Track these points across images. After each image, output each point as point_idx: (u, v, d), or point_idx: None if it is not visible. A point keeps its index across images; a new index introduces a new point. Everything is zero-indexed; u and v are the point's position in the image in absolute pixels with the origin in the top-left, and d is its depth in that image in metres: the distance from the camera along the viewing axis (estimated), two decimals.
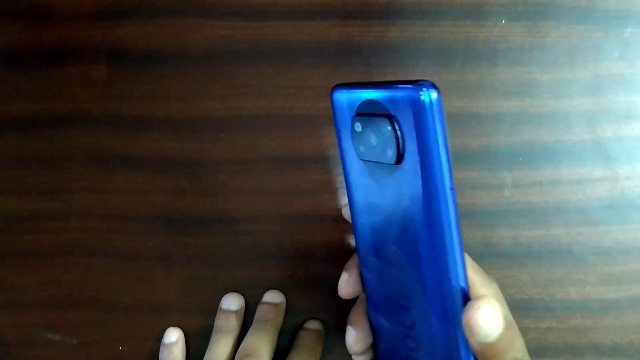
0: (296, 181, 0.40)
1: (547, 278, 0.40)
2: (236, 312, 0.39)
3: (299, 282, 0.40)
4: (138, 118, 0.40)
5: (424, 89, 0.24)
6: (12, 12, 0.40)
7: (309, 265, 0.40)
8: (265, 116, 0.40)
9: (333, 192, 0.40)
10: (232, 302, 0.39)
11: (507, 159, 0.39)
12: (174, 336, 0.40)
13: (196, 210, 0.40)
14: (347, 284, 0.32)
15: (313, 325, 0.39)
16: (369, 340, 0.32)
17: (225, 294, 0.40)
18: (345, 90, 0.27)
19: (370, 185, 0.28)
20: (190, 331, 0.40)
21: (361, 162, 0.28)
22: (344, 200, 0.40)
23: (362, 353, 0.33)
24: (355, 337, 0.32)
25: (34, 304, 0.41)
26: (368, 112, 0.26)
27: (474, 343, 0.26)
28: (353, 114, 0.27)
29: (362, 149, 0.27)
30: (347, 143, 0.28)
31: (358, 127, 0.27)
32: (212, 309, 0.40)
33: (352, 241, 0.39)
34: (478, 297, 0.26)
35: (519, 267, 0.39)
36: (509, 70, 0.39)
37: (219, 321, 0.39)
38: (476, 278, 0.29)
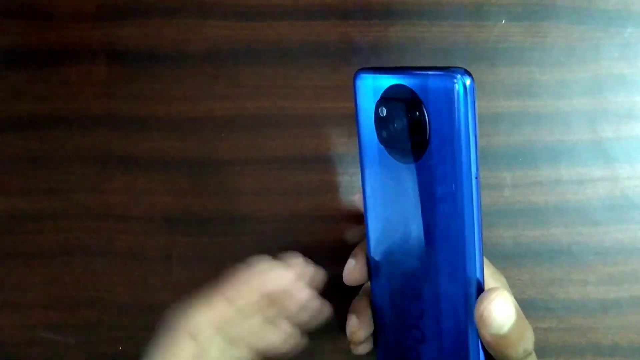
0: (296, 181, 0.40)
1: (547, 278, 0.40)
2: None
3: None
4: (138, 118, 0.40)
5: (458, 76, 0.24)
6: (12, 12, 0.40)
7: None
8: (265, 116, 0.40)
9: (333, 192, 0.40)
10: None
11: (507, 159, 0.39)
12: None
13: (196, 210, 0.40)
14: (353, 271, 0.32)
15: None
16: (370, 330, 0.32)
17: None
18: (371, 75, 0.27)
19: (388, 172, 0.28)
20: None
21: (381, 148, 0.27)
22: (352, 192, 0.40)
23: (362, 342, 0.32)
24: (357, 324, 0.32)
25: (34, 304, 0.40)
26: (395, 97, 0.26)
27: (486, 335, 0.26)
28: (378, 98, 0.27)
29: (384, 134, 0.27)
30: (367, 128, 0.28)
31: (382, 111, 0.27)
32: None
33: (354, 232, 0.39)
34: (491, 289, 0.26)
35: (519, 267, 0.39)
36: (509, 70, 0.39)
37: None
38: (485, 269, 0.30)
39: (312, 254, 0.40)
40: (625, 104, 0.39)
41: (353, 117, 0.39)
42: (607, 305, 0.39)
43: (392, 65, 0.37)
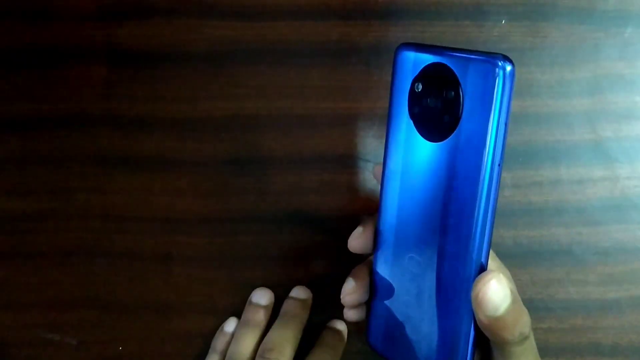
0: (296, 181, 0.40)
1: (547, 278, 0.40)
2: (265, 307, 0.39)
3: (299, 282, 0.40)
4: (138, 118, 0.40)
5: (500, 63, 0.24)
6: (12, 12, 0.40)
7: (309, 265, 0.40)
8: (265, 116, 0.40)
9: (333, 192, 0.40)
10: (262, 297, 0.39)
11: (507, 159, 0.39)
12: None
13: (196, 210, 0.40)
14: (359, 238, 0.32)
15: (337, 325, 0.40)
16: (364, 297, 0.32)
17: (222, 292, 0.40)
18: (413, 50, 0.28)
19: (412, 148, 0.28)
20: (190, 331, 0.40)
21: (410, 123, 0.28)
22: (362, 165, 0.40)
23: (354, 306, 0.33)
24: (352, 287, 0.32)
25: (34, 304, 0.40)
26: (433, 75, 0.26)
27: (482, 317, 0.26)
28: (416, 74, 0.27)
29: (416, 110, 0.28)
30: (399, 102, 0.28)
31: (418, 87, 0.27)
32: (212, 309, 0.40)
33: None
34: (487, 271, 0.26)
35: (519, 267, 0.39)
36: None
37: (247, 314, 0.39)
38: (491, 262, 0.30)
39: (312, 254, 0.40)
40: (625, 104, 0.39)
41: (353, 117, 0.40)
42: (607, 305, 0.39)
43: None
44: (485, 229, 0.26)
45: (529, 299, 0.40)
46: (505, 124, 0.25)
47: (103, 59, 0.40)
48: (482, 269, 0.27)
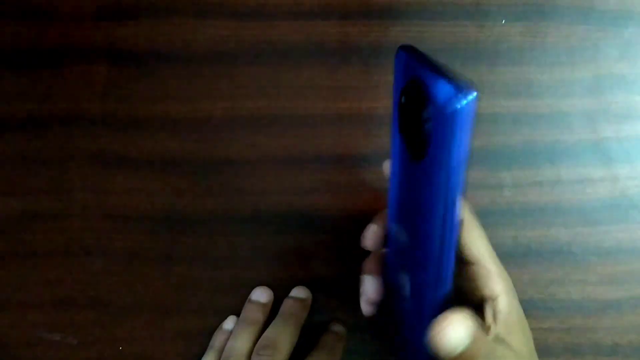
0: (296, 181, 0.40)
1: (547, 278, 0.40)
2: (264, 305, 0.39)
3: (298, 282, 0.40)
4: (138, 118, 0.40)
5: (462, 90, 0.22)
6: (12, 12, 0.40)
7: (308, 265, 0.40)
8: (265, 116, 0.40)
9: (333, 192, 0.40)
10: (261, 295, 0.39)
11: (507, 159, 0.39)
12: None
13: (196, 210, 0.40)
14: (373, 236, 0.32)
15: (335, 327, 0.40)
16: (381, 293, 0.33)
17: (222, 292, 0.40)
18: (406, 58, 0.25)
19: (401, 158, 0.27)
20: (190, 331, 0.40)
21: (400, 135, 0.27)
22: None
23: (374, 303, 0.33)
24: (375, 285, 0.32)
25: (34, 304, 0.40)
26: (414, 90, 0.24)
27: (439, 356, 0.26)
28: (403, 85, 0.26)
29: (402, 122, 0.26)
30: (395, 109, 0.27)
31: (403, 99, 0.26)
32: (212, 309, 0.40)
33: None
34: (445, 314, 0.26)
35: (519, 267, 0.39)
36: (509, 70, 0.39)
37: (246, 312, 0.39)
38: (494, 267, 0.30)
39: (312, 254, 0.40)
40: (625, 104, 0.39)
41: (353, 117, 0.40)
42: (607, 305, 0.39)
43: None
44: (441, 262, 0.26)
45: (529, 299, 0.40)
46: (465, 156, 0.23)
47: (103, 59, 0.40)
48: (443, 300, 0.27)
